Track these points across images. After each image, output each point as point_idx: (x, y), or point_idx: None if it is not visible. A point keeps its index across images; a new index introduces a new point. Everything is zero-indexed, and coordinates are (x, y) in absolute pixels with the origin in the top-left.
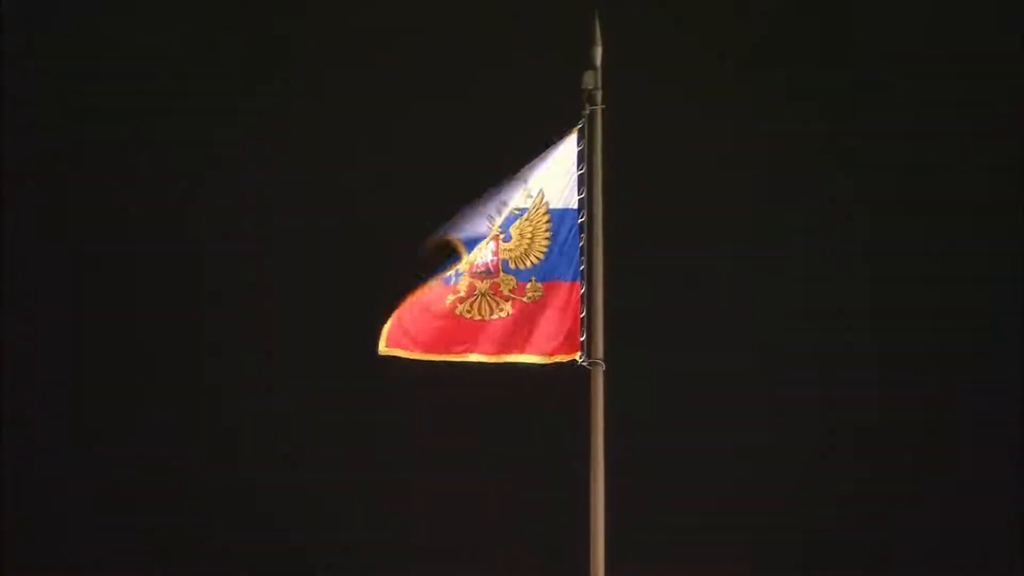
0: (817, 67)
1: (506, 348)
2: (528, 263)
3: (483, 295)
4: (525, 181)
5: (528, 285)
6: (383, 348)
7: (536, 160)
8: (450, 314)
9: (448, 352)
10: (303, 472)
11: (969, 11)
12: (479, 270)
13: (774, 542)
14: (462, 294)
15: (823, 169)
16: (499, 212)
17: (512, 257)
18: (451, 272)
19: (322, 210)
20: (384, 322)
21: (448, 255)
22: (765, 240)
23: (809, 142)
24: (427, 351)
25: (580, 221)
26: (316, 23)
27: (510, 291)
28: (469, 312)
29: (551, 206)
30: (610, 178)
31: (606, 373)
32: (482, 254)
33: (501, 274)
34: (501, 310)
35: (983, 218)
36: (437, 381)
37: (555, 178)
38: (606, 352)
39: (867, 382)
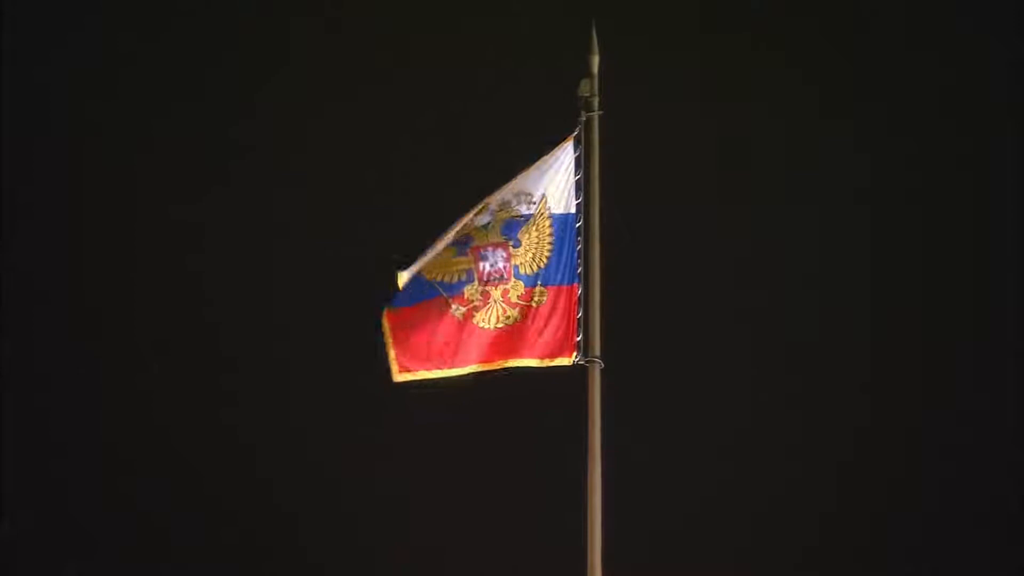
0: (816, 71)
1: (511, 353)
2: (535, 268)
3: (496, 302)
4: (521, 189)
5: (535, 290)
6: (397, 376)
7: (530, 168)
8: (468, 324)
9: (466, 364)
10: (302, 474)
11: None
12: (494, 276)
13: (772, 541)
14: (476, 303)
15: (822, 171)
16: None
17: (522, 263)
18: (435, 288)
19: (320, 212)
20: (383, 348)
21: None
22: (763, 241)
23: (808, 143)
24: (452, 366)
25: (578, 225)
26: (315, 25)
27: (518, 297)
28: (484, 322)
29: (553, 212)
30: (607, 182)
31: (603, 371)
32: (493, 260)
33: (512, 279)
34: (508, 317)
35: (982, 215)
36: (435, 380)
37: (555, 184)
38: (603, 351)
39: (866, 382)
